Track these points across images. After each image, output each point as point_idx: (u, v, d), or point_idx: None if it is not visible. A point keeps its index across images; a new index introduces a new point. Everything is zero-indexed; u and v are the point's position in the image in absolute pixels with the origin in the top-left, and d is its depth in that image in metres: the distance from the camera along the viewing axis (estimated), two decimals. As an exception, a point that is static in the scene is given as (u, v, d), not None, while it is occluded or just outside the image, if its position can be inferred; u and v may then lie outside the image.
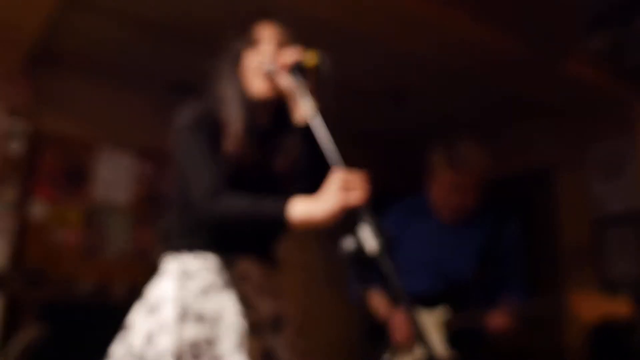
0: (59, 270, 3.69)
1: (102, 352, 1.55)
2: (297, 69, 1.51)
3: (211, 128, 1.52)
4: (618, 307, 2.31)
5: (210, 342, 1.41)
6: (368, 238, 1.12)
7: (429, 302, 2.52)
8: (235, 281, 1.51)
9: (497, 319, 2.37)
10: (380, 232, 1.12)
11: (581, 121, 4.34)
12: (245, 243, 1.54)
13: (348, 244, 1.13)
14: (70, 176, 3.92)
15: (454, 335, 2.47)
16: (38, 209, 3.77)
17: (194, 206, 1.44)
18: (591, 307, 2.34)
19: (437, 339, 2.45)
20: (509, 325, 2.36)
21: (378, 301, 2.57)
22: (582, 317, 2.40)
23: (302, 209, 1.31)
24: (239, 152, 1.50)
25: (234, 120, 1.53)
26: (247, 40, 1.61)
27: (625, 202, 4.06)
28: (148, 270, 4.15)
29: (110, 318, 3.15)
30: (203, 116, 1.53)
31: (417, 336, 1.02)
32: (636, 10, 3.36)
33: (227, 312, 1.45)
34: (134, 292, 3.53)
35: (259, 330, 1.50)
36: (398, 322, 2.45)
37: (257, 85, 1.58)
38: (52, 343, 2.53)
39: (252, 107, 1.58)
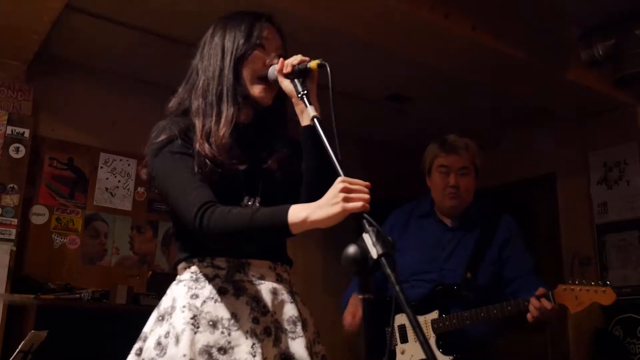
0: (60, 276, 3.69)
1: (102, 357, 1.54)
2: (299, 74, 1.50)
3: (184, 142, 1.46)
4: (601, 298, 2.30)
5: (224, 349, 1.37)
6: (371, 246, 1.11)
7: (421, 306, 2.52)
8: (249, 285, 1.47)
9: (538, 305, 2.28)
10: (383, 239, 1.11)
11: (583, 127, 4.34)
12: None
13: (351, 251, 1.12)
14: (71, 182, 3.92)
15: (447, 340, 2.46)
16: (39, 215, 3.77)
17: (187, 228, 1.39)
18: (575, 298, 2.31)
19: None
20: (551, 310, 2.28)
21: (351, 302, 2.59)
22: (568, 309, 2.35)
23: (302, 215, 1.28)
24: (222, 154, 1.45)
25: (225, 118, 1.48)
26: (258, 41, 1.57)
27: (627, 208, 4.05)
28: (148, 276, 4.15)
29: (111, 323, 3.17)
30: (173, 133, 1.47)
31: (421, 343, 1.00)
32: (635, 19, 3.37)
33: (241, 317, 1.41)
34: (135, 298, 3.55)
35: (276, 335, 1.45)
36: (351, 309, 2.55)
37: (255, 90, 1.55)
38: (52, 349, 2.51)
39: (244, 107, 1.55)
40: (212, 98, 1.52)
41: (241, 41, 1.56)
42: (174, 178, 1.43)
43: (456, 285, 2.51)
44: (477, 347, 2.52)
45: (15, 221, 3.55)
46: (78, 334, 3.12)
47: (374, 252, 1.10)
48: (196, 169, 1.43)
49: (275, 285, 1.51)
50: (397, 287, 1.05)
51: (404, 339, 2.53)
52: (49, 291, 3.45)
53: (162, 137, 1.47)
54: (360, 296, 1.14)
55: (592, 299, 2.31)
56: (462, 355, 2.43)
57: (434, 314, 2.48)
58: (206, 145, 1.44)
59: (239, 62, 1.54)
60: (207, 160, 1.43)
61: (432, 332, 2.47)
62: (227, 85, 1.53)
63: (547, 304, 2.27)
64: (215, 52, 1.57)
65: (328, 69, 1.44)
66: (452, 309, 2.47)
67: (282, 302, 1.50)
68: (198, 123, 1.49)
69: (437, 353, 2.43)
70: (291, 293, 1.55)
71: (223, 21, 1.63)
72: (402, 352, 2.52)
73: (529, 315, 2.31)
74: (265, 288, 1.48)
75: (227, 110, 1.50)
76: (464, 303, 2.48)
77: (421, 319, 2.50)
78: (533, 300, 2.29)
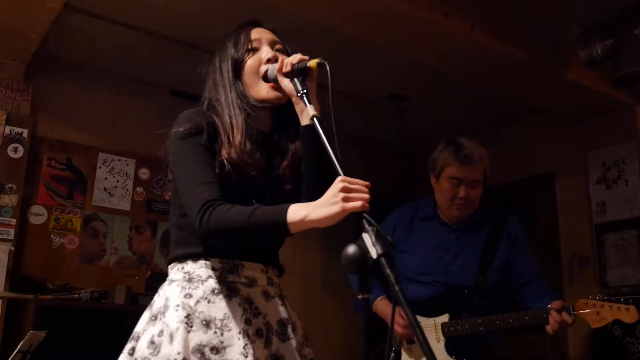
0: (59, 276, 3.68)
1: (101, 357, 1.53)
2: (298, 73, 1.50)
3: (209, 137, 1.48)
4: (624, 316, 2.28)
5: (217, 349, 1.38)
6: (370, 245, 1.10)
7: (431, 309, 2.51)
8: (242, 287, 1.48)
9: (559, 319, 2.25)
10: (383, 239, 1.11)
11: (582, 127, 4.34)
12: (250, 249, 1.52)
13: (350, 251, 1.12)
14: (70, 181, 3.92)
15: (455, 343, 2.45)
16: (38, 215, 3.76)
17: (189, 220, 1.41)
18: (597, 314, 2.29)
19: (437, 348, 2.42)
20: (572, 323, 2.27)
21: (383, 305, 2.55)
22: (588, 325, 2.33)
23: (301, 214, 1.29)
24: (242, 159, 1.47)
25: (237, 127, 1.50)
26: (245, 46, 1.59)
27: (626, 207, 4.05)
28: (147, 276, 4.15)
29: (109, 323, 3.17)
30: (201, 124, 1.48)
31: (421, 343, 1.00)
32: (634, 18, 3.37)
33: (234, 317, 1.42)
34: (134, 297, 3.55)
35: (267, 337, 1.47)
36: (397, 318, 2.44)
37: (263, 91, 1.57)
38: (51, 349, 2.51)
39: (255, 112, 1.56)
40: (227, 115, 1.53)
41: (231, 53, 1.60)
42: (189, 170, 1.44)
43: (467, 288, 2.50)
44: (485, 350, 2.51)
45: (13, 221, 3.55)
46: (77, 334, 3.12)
47: (373, 252, 1.09)
48: (217, 169, 1.45)
49: (266, 287, 1.53)
50: (396, 287, 1.05)
51: (410, 340, 2.52)
52: (48, 291, 3.45)
53: (190, 125, 1.49)
54: (360, 296, 1.14)
55: (614, 316, 2.28)
56: (471, 359, 2.43)
57: (445, 317, 2.47)
58: (232, 152, 1.47)
59: (237, 73, 1.58)
60: (227, 162, 1.45)
61: (441, 335, 2.46)
62: (232, 98, 1.55)
63: (567, 318, 2.26)
64: (217, 75, 1.61)
65: (327, 67, 1.44)
66: (463, 313, 2.45)
67: (273, 305, 1.52)
68: (222, 133, 1.51)
69: (447, 357, 2.42)
70: (281, 296, 1.57)
71: (218, 45, 1.67)
72: (409, 353, 2.51)
73: (548, 328, 2.29)
74: (257, 290, 1.50)
75: (237, 119, 1.52)
76: (475, 307, 2.46)
77: (431, 321, 2.49)
78: (554, 314, 2.27)
